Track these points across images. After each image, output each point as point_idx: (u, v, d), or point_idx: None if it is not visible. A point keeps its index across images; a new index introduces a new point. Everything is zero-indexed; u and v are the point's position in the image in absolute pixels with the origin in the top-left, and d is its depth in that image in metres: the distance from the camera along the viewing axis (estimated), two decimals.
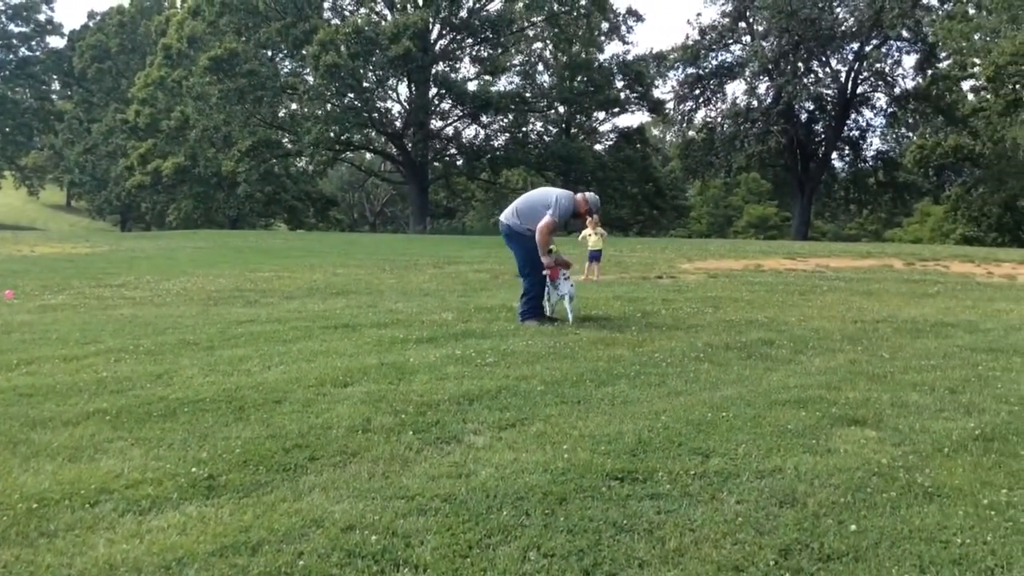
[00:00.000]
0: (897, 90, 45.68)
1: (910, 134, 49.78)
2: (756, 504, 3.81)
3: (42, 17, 70.02)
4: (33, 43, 70.42)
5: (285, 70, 48.73)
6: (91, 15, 76.06)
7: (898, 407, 5.48)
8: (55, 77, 72.23)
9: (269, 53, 46.86)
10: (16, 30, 69.49)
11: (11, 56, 69.75)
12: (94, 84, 66.29)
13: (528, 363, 6.73)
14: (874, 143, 67.57)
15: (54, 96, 73.15)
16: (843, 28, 43.37)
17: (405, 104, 48.67)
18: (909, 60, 44.46)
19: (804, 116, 46.95)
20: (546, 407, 5.42)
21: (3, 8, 68.78)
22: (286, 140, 49.17)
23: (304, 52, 42.21)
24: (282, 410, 5.33)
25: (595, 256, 14.77)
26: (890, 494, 3.92)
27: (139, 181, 49.55)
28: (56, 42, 72.07)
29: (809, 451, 4.55)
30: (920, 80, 44.97)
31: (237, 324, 8.99)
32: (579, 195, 9.06)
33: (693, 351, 7.26)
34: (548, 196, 8.87)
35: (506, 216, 8.91)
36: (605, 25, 50.24)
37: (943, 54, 42.98)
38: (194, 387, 5.94)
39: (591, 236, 14.83)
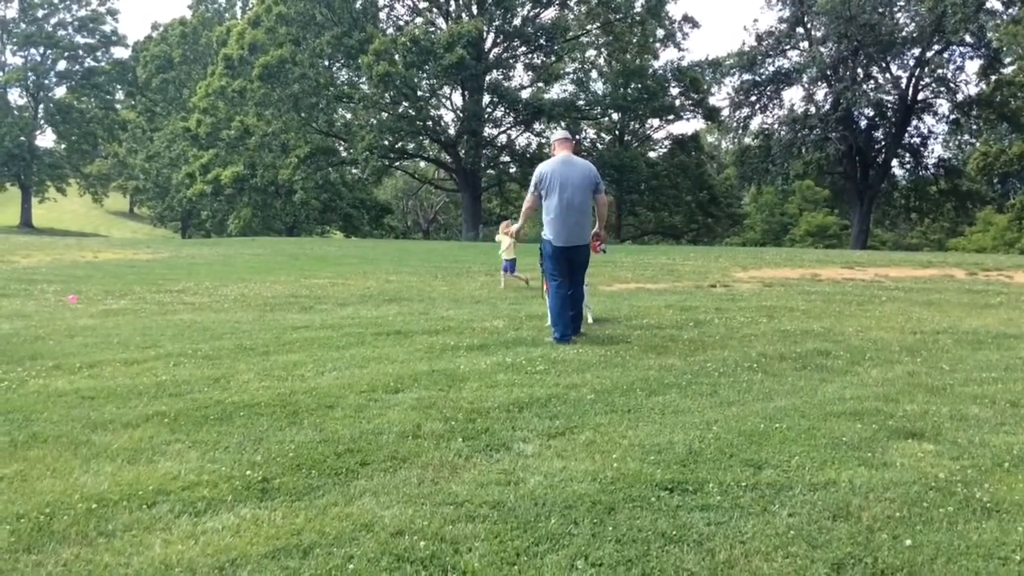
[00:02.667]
0: (960, 96, 44.60)
1: (973, 141, 48.64)
2: (809, 517, 3.75)
3: (107, 28, 71.75)
4: (98, 54, 72.10)
5: (341, 79, 49.35)
6: (154, 26, 78.03)
7: (957, 420, 5.36)
8: (119, 87, 73.91)
9: (326, 62, 47.50)
10: (82, 41, 71.26)
11: (77, 67, 71.53)
12: (157, 94, 67.91)
13: (578, 371, 6.72)
14: (936, 150, 66.19)
15: (118, 105, 74.85)
16: (903, 33, 42.54)
17: (458, 112, 48.96)
18: (972, 66, 43.24)
19: (863, 123, 46.10)
20: (596, 416, 5.41)
21: (70, 20, 70.65)
22: (341, 148, 49.79)
23: (359, 62, 42.72)
24: (334, 415, 5.40)
25: (510, 266, 14.17)
26: (947, 509, 3.84)
27: (199, 189, 50.55)
28: (120, 53, 73.88)
29: (864, 464, 4.47)
30: (984, 86, 43.89)
31: (292, 330, 9.13)
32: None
33: (746, 361, 7.18)
34: (589, 178, 8.22)
35: (582, 237, 8.30)
36: (660, 32, 49.97)
37: (1008, 59, 41.92)
38: (250, 391, 6.05)
39: (506, 240, 14.14)
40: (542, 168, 8.29)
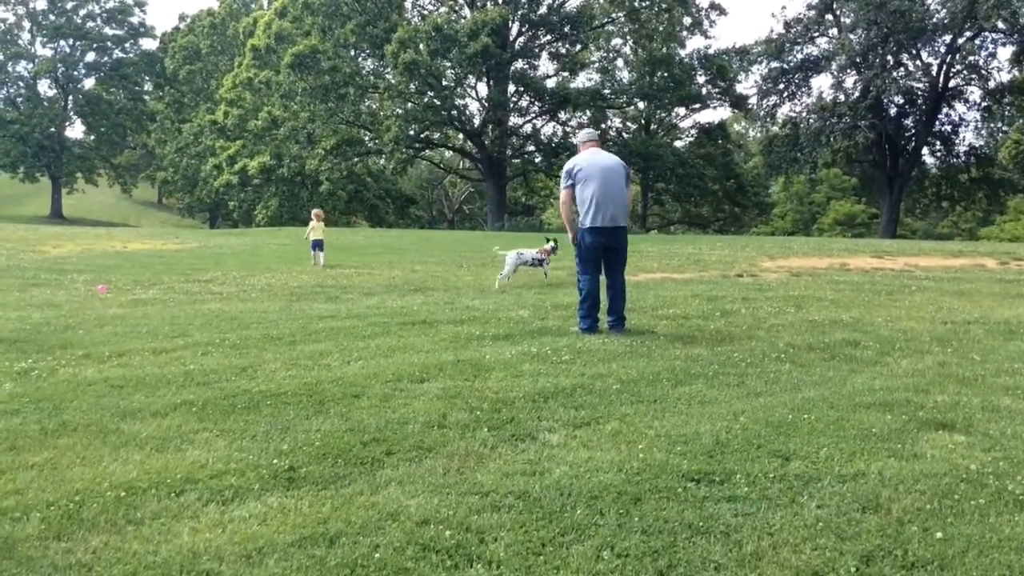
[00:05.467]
0: (992, 83, 43.83)
1: (1006, 129, 47.77)
2: (837, 509, 3.71)
3: (135, 20, 72.26)
4: (127, 45, 72.65)
5: (367, 69, 49.39)
6: (182, 17, 78.45)
7: (989, 411, 5.28)
8: (147, 78, 74.49)
9: (352, 52, 47.56)
10: (110, 33, 71.83)
11: (106, 58, 72.15)
12: (185, 85, 68.37)
13: (604, 361, 6.69)
14: (967, 138, 65.20)
15: (146, 97, 75.43)
16: (934, 20, 41.86)
17: (483, 102, 48.86)
18: (1005, 52, 42.47)
19: (893, 110, 45.44)
20: (621, 406, 5.39)
21: (98, 12, 71.21)
22: (367, 139, 49.86)
23: (384, 51, 42.74)
24: (360, 404, 5.41)
25: (316, 246, 17.47)
26: (979, 501, 3.79)
27: (227, 180, 50.86)
28: (148, 44, 74.49)
29: (894, 455, 4.42)
30: (1016, 73, 43.07)
31: (318, 320, 9.17)
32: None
33: (774, 351, 7.12)
34: (621, 166, 8.22)
35: (619, 220, 8.16)
36: (687, 20, 49.54)
37: None
38: (276, 380, 6.08)
39: (315, 223, 17.90)
40: (573, 161, 8.19)
